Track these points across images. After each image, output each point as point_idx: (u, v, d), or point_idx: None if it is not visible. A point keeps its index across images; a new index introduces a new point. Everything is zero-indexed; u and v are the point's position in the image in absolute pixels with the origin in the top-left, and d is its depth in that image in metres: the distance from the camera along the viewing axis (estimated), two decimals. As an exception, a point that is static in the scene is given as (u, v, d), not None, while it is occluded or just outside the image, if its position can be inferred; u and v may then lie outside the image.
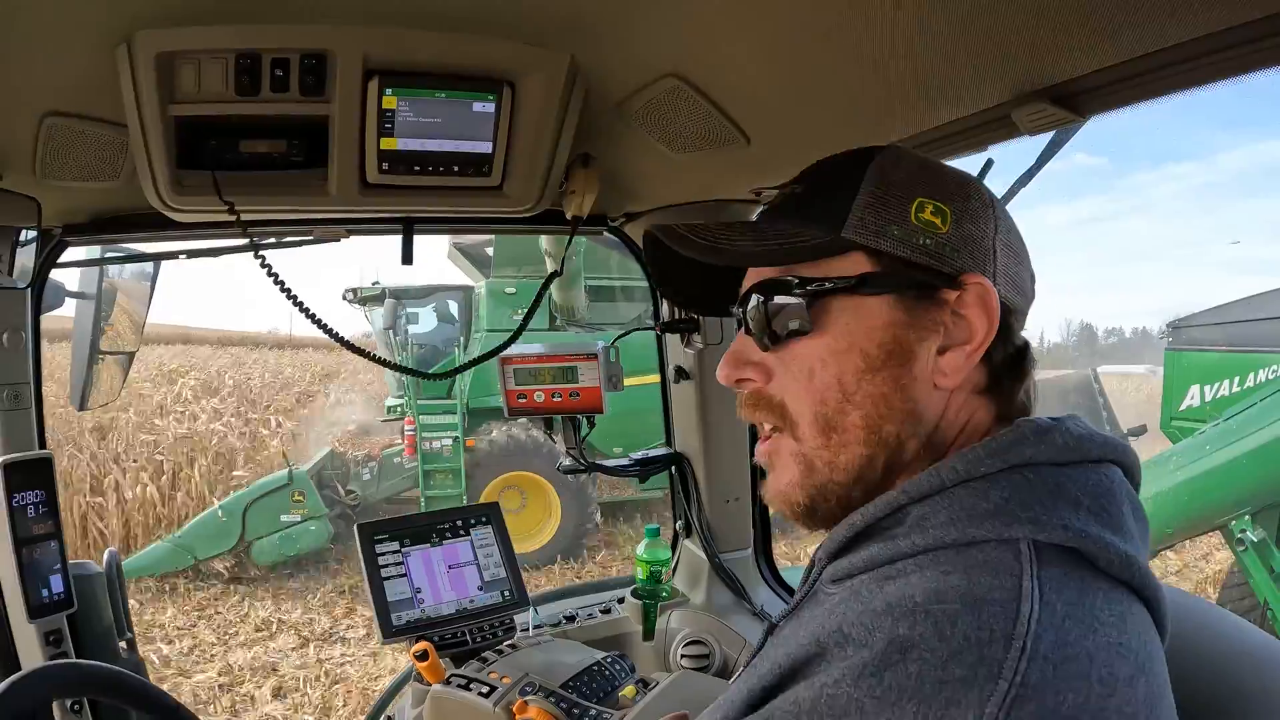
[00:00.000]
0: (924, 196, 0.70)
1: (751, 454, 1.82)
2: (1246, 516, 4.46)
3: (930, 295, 0.69)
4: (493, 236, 8.30)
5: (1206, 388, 5.24)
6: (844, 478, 0.71)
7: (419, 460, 8.30)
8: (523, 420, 7.67)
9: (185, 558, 7.53)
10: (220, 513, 7.60)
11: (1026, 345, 0.74)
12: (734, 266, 0.77)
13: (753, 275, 0.76)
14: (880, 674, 0.53)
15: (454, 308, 9.48)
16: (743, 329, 0.76)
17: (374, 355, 1.39)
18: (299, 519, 7.68)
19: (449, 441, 8.29)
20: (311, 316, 1.21)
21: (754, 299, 0.73)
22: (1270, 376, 4.86)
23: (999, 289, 0.69)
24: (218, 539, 7.53)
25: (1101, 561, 0.60)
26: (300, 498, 7.70)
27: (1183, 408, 5.39)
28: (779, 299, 0.72)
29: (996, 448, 0.65)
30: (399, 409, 9.26)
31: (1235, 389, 5.06)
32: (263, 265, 1.18)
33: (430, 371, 1.36)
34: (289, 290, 1.18)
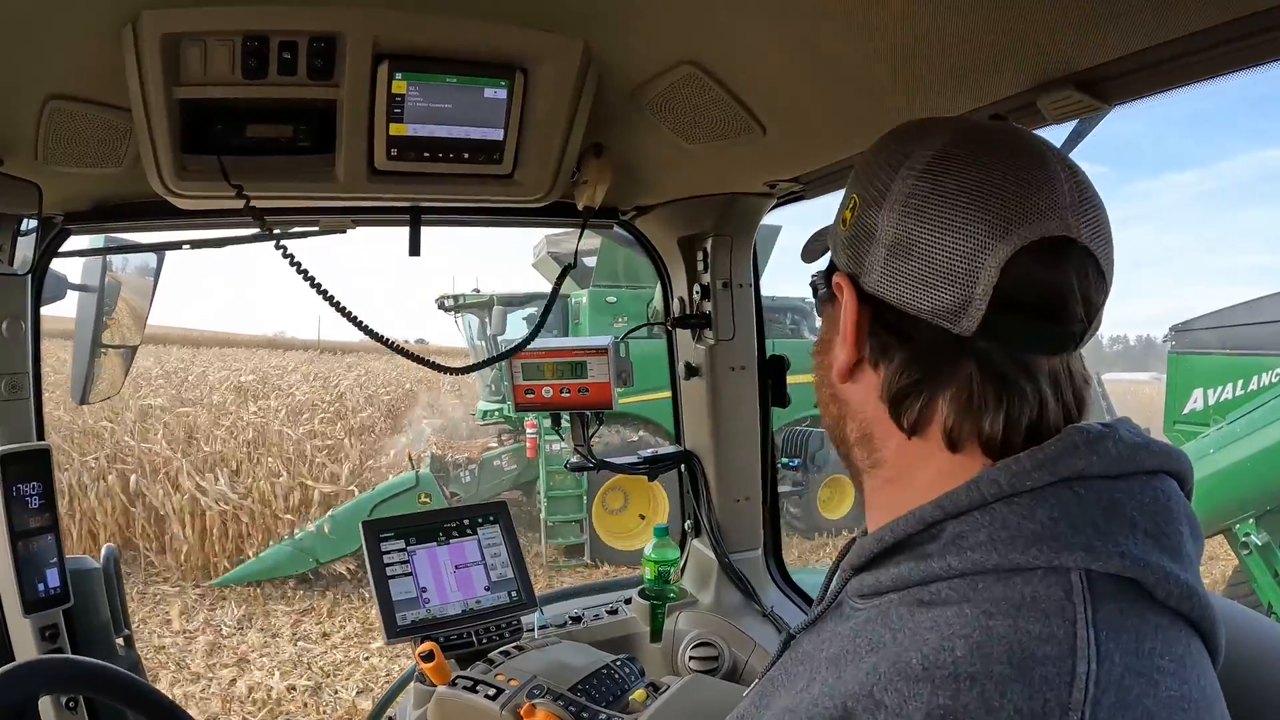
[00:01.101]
0: (851, 192, 0.70)
1: (763, 452, 1.80)
2: (1250, 520, 4.47)
3: (829, 293, 0.71)
4: (595, 246, 8.76)
5: (1210, 391, 5.26)
6: (830, 435, 0.76)
7: (540, 462, 8.58)
8: (629, 421, 8.30)
9: (306, 561, 7.68)
10: (337, 518, 7.77)
11: (920, 352, 0.64)
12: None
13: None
14: None
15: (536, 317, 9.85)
16: None
17: (410, 353, 1.35)
18: None
19: (559, 446, 8.53)
20: (338, 306, 1.18)
21: None
22: (1274, 380, 4.88)
23: (865, 281, 0.65)
24: (341, 542, 7.65)
25: (1160, 594, 0.55)
26: (427, 499, 7.88)
27: (1186, 411, 5.41)
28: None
29: (1044, 459, 0.59)
30: (494, 413, 9.69)
31: (1239, 392, 5.07)
32: (285, 255, 1.15)
33: (456, 367, 1.33)
34: (312, 278, 1.15)
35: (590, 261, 9.10)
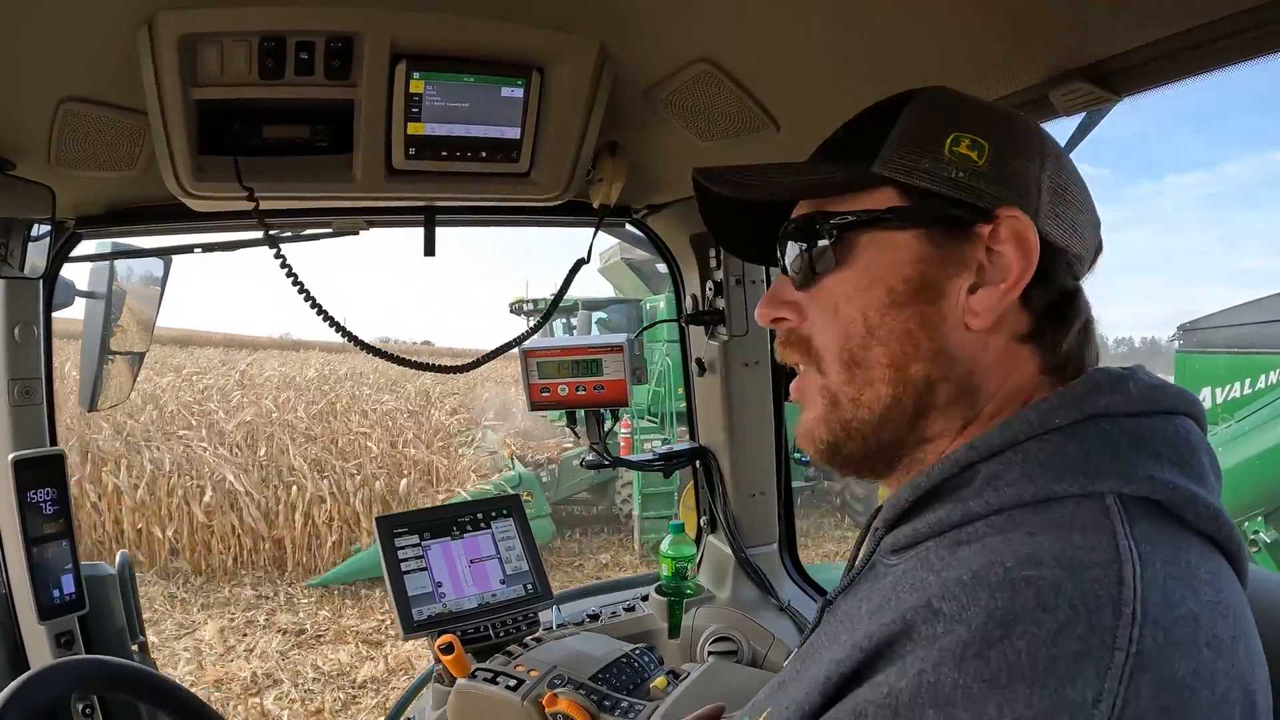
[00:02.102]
0: (961, 131, 0.67)
1: (778, 446, 1.80)
2: (1259, 517, 4.47)
3: (962, 230, 0.66)
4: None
5: (1218, 390, 5.25)
6: (868, 415, 0.68)
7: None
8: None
9: None
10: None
11: (1077, 290, 0.68)
12: (772, 203, 0.75)
13: (796, 213, 0.74)
14: (985, 654, 0.48)
15: (612, 319, 10.20)
16: (781, 267, 0.75)
17: (391, 355, 1.34)
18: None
19: (658, 442, 8.57)
20: (322, 312, 1.17)
21: (790, 234, 0.73)
22: None
23: (1041, 224, 0.65)
24: None
25: (1189, 515, 0.57)
26: (529, 497, 8.05)
27: None
28: (804, 234, 0.71)
29: (1071, 397, 0.62)
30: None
31: (1247, 390, 5.08)
32: (277, 257, 1.15)
33: (454, 366, 1.32)
34: (302, 285, 1.15)
35: (664, 267, 9.37)
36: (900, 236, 0.67)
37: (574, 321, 10.28)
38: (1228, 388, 5.19)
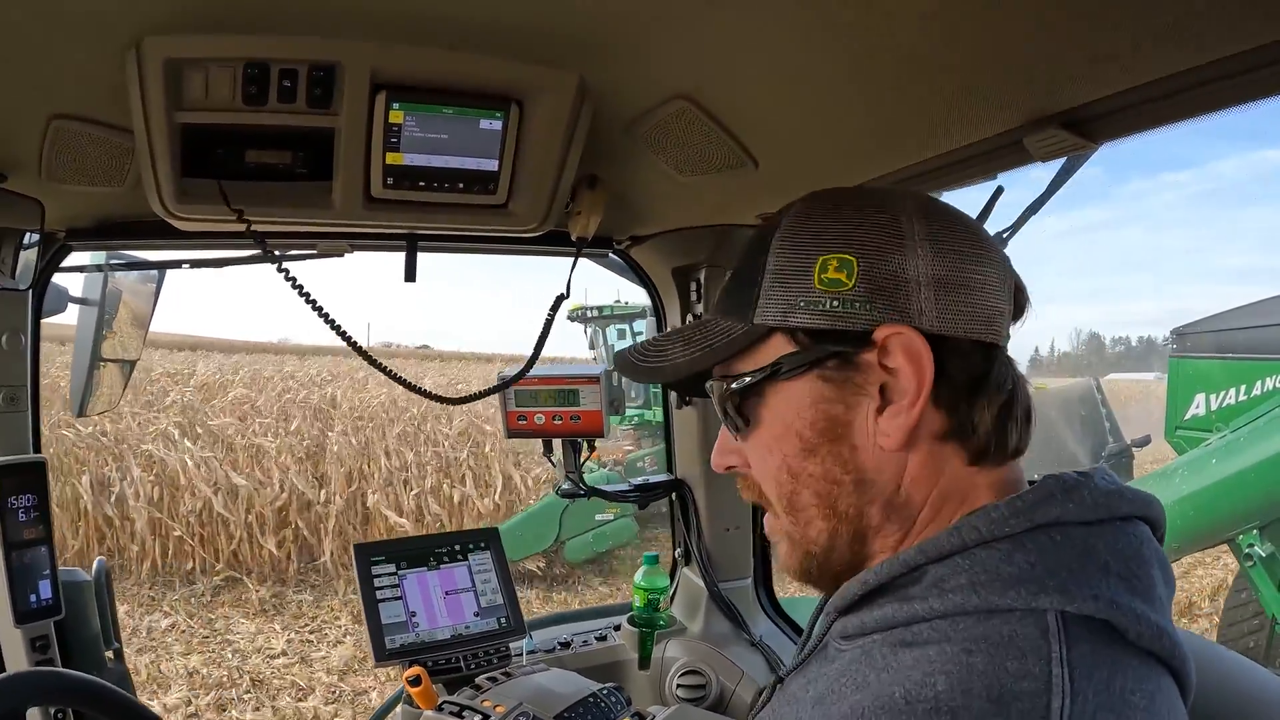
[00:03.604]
0: (827, 253, 0.67)
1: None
2: (1254, 531, 4.38)
3: (850, 360, 0.66)
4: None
5: (1212, 396, 5.16)
6: (818, 549, 0.71)
7: None
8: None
9: None
10: (528, 518, 7.95)
11: (986, 373, 0.67)
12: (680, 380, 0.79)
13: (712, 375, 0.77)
14: None
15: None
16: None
17: (390, 371, 1.34)
18: (611, 517, 8.04)
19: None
20: (332, 324, 1.18)
21: (713, 396, 0.76)
22: (1277, 384, 4.79)
23: (927, 325, 0.65)
24: (535, 540, 7.84)
25: (1132, 634, 0.57)
26: None
27: (1188, 416, 5.30)
28: (720, 396, 0.74)
29: (1022, 506, 0.62)
30: (636, 418, 9.94)
31: (1242, 397, 4.97)
32: (287, 278, 1.16)
33: (452, 397, 1.32)
34: (313, 300, 1.15)
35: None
36: (797, 384, 0.68)
37: (638, 327, 10.30)
38: (1222, 394, 5.08)
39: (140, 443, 9.30)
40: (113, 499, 8.57)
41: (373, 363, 1.26)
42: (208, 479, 8.94)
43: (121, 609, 7.27)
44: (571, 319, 10.41)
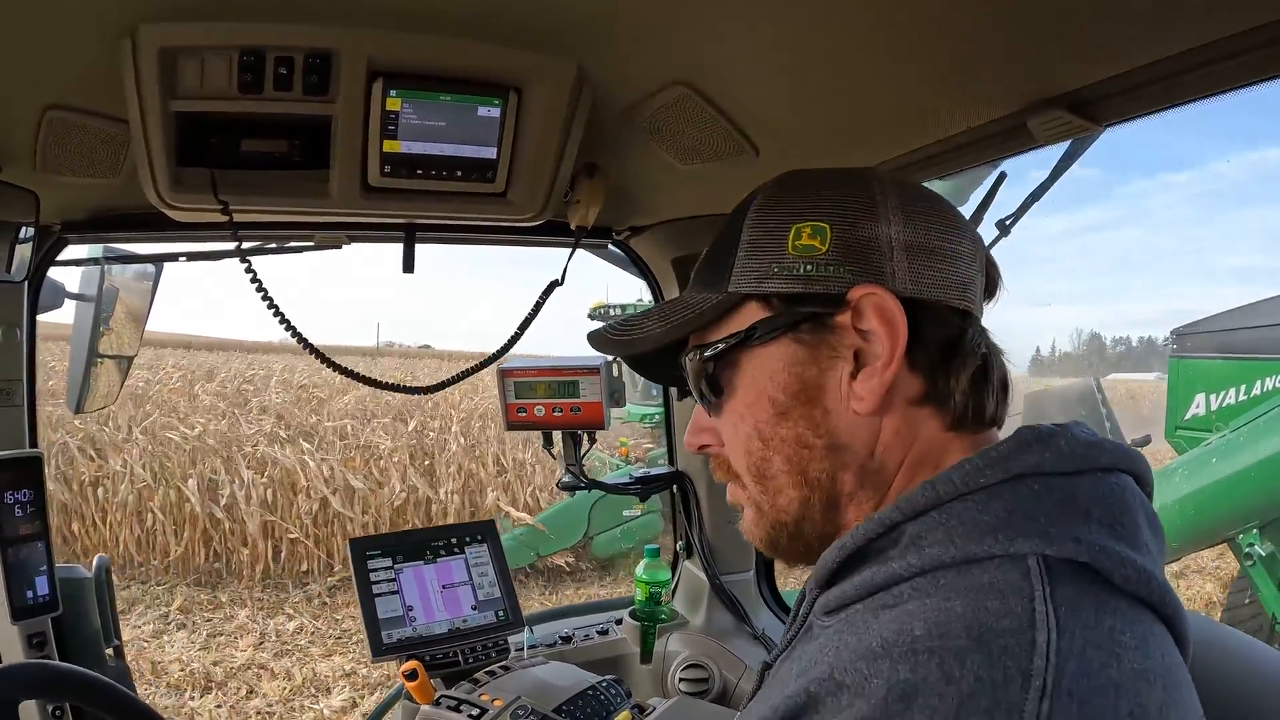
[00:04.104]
0: (800, 221, 0.68)
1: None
2: (1254, 530, 4.39)
3: (824, 323, 0.66)
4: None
5: (1212, 396, 5.18)
6: (787, 518, 0.70)
7: None
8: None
9: (528, 554, 7.82)
10: (558, 513, 7.96)
11: (960, 336, 0.67)
12: (653, 352, 0.79)
13: (686, 350, 0.77)
14: None
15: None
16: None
17: (351, 371, 1.32)
18: (639, 513, 7.98)
19: None
20: (288, 325, 1.18)
21: (687, 371, 0.75)
22: (1277, 384, 4.81)
23: (902, 288, 0.65)
24: (563, 535, 7.84)
25: (1117, 578, 0.55)
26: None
27: (1188, 416, 5.34)
28: (694, 367, 0.73)
29: (997, 456, 0.61)
30: (651, 416, 9.97)
31: (1242, 397, 5.00)
32: (248, 270, 1.15)
33: (425, 386, 1.31)
34: (270, 298, 1.16)
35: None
36: (770, 348, 0.68)
37: None
38: (1222, 393, 5.10)
39: (252, 445, 9.36)
40: (222, 502, 8.57)
41: (327, 360, 1.25)
42: (326, 480, 9.01)
43: (241, 612, 7.43)
44: (592, 317, 10.37)
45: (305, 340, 1.20)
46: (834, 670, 0.53)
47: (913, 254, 0.66)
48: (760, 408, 0.69)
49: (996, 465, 0.60)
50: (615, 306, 10.40)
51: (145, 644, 6.64)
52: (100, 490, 8.45)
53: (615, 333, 0.80)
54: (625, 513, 7.91)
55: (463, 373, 1.34)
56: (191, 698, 5.86)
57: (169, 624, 7.14)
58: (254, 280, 1.15)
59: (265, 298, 1.15)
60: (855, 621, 0.59)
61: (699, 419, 0.78)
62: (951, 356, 0.66)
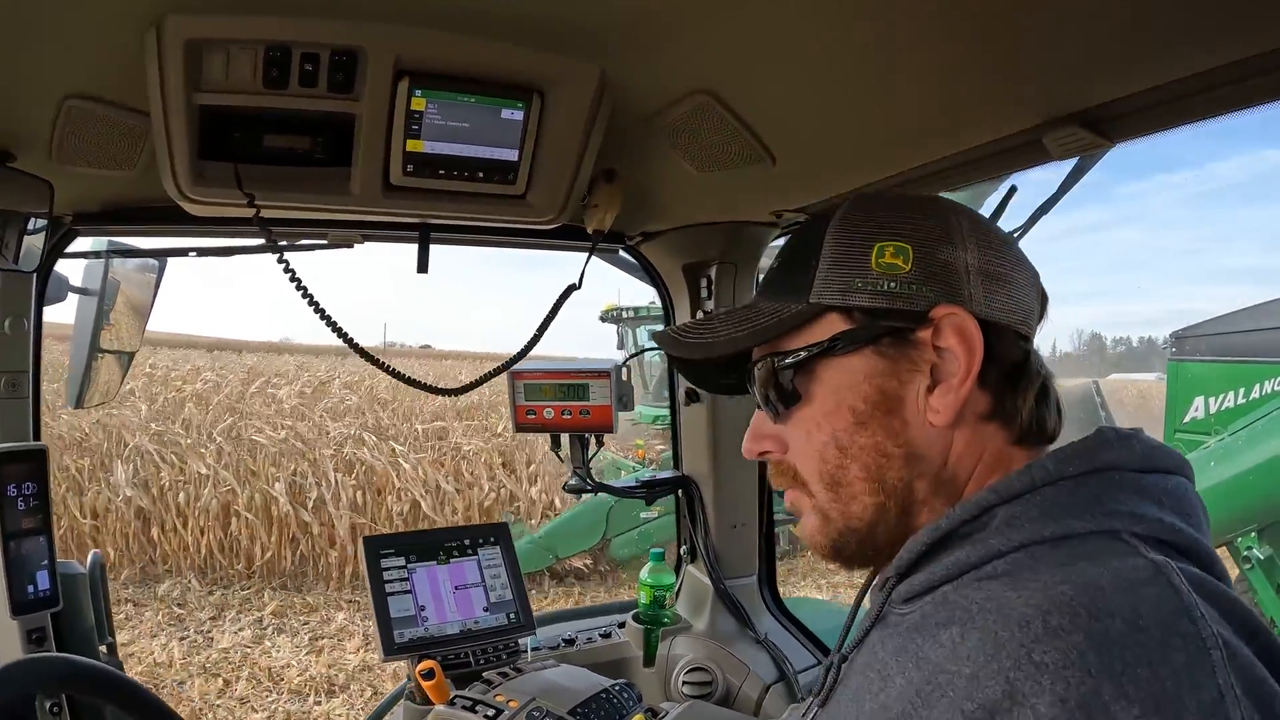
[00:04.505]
0: (883, 240, 0.71)
1: (761, 480, 1.80)
2: (1253, 533, 4.43)
3: (905, 338, 0.70)
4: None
5: (1211, 399, 5.20)
6: (860, 525, 0.72)
7: None
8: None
9: (546, 557, 7.85)
10: (576, 515, 7.97)
11: (1027, 357, 0.72)
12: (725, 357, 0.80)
13: (756, 355, 0.79)
14: (1124, 691, 0.49)
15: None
16: (758, 405, 0.81)
17: (388, 367, 1.32)
18: (655, 515, 7.96)
19: None
20: (328, 320, 1.16)
21: (756, 377, 0.78)
22: (1276, 388, 4.83)
23: (978, 310, 0.69)
24: (581, 537, 7.85)
25: (1192, 555, 0.60)
26: None
27: (1187, 420, 5.35)
28: (770, 375, 0.76)
29: (1083, 449, 0.66)
30: (663, 418, 9.77)
31: (1240, 400, 5.02)
32: (286, 269, 1.14)
33: (450, 388, 1.30)
34: (309, 293, 1.14)
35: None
36: (852, 359, 0.71)
37: (637, 331, 10.31)
38: (1220, 397, 5.12)
39: (335, 446, 9.34)
40: (310, 504, 8.57)
41: (372, 360, 1.25)
42: (422, 480, 9.02)
43: (339, 615, 7.41)
44: (604, 320, 10.35)
45: (347, 336, 1.17)
46: (1028, 651, 0.52)
47: (986, 280, 0.70)
48: (839, 416, 0.72)
49: (1083, 457, 0.65)
50: (628, 309, 10.39)
51: (248, 649, 6.66)
52: (181, 495, 8.45)
53: (684, 335, 0.82)
54: (642, 515, 7.93)
55: (487, 374, 1.34)
56: (317, 702, 5.86)
57: (265, 629, 7.15)
58: (291, 276, 1.13)
59: (305, 294, 1.13)
60: (950, 598, 0.62)
61: (761, 426, 0.80)
62: (1018, 377, 0.71)
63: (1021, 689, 0.51)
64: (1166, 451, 0.68)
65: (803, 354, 0.73)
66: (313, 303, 1.14)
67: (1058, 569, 0.57)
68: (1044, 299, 0.77)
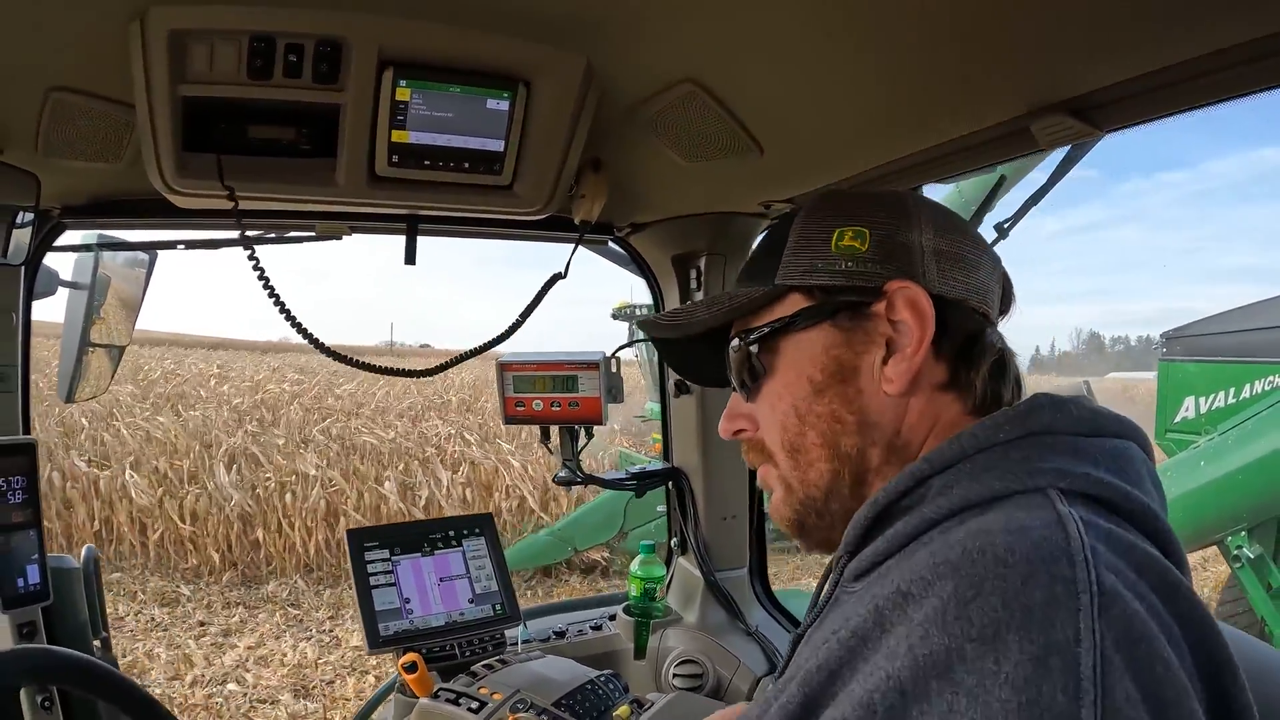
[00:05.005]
0: (842, 225, 0.76)
1: (752, 472, 1.80)
2: (1243, 533, 4.44)
3: (861, 312, 0.74)
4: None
5: (1202, 399, 5.22)
6: (817, 492, 0.76)
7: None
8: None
9: (565, 549, 7.86)
10: (594, 508, 7.94)
11: (981, 332, 0.75)
12: (701, 334, 0.87)
13: (731, 342, 0.84)
14: (965, 615, 0.51)
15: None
16: (733, 389, 0.85)
17: (359, 361, 1.32)
18: None
19: None
20: (288, 314, 1.16)
21: (729, 358, 0.83)
22: (1266, 388, 4.85)
23: (931, 285, 0.73)
24: (599, 530, 7.83)
25: (1124, 510, 0.61)
26: None
27: (1177, 419, 5.36)
28: (738, 353, 0.81)
29: (1015, 415, 0.67)
30: None
31: (1231, 400, 5.04)
32: (251, 258, 1.14)
33: (420, 370, 1.31)
34: (271, 287, 1.14)
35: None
36: (811, 333, 0.76)
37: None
38: (1211, 397, 5.14)
39: (438, 445, 9.44)
40: (421, 501, 8.67)
41: (338, 357, 1.26)
42: (531, 480, 9.12)
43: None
44: (615, 317, 10.33)
45: (305, 331, 1.18)
46: (897, 586, 0.56)
47: (941, 259, 0.75)
48: (799, 386, 0.76)
49: (1015, 422, 0.67)
50: (641, 306, 10.38)
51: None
52: (288, 496, 8.53)
53: (666, 319, 0.90)
54: (659, 508, 7.96)
55: (461, 355, 1.35)
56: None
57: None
58: (257, 268, 1.14)
59: (267, 287, 1.14)
60: (890, 570, 0.63)
61: (735, 406, 0.85)
62: (972, 348, 0.74)
63: (888, 616, 0.56)
64: (1111, 416, 0.69)
65: (766, 329, 0.78)
66: (275, 298, 1.14)
67: (975, 524, 0.59)
68: (1007, 283, 0.82)
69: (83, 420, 9.54)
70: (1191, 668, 0.52)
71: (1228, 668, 0.55)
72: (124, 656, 6.00)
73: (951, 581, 0.53)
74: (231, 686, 5.71)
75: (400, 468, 9.12)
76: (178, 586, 7.70)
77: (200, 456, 8.94)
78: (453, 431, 9.77)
